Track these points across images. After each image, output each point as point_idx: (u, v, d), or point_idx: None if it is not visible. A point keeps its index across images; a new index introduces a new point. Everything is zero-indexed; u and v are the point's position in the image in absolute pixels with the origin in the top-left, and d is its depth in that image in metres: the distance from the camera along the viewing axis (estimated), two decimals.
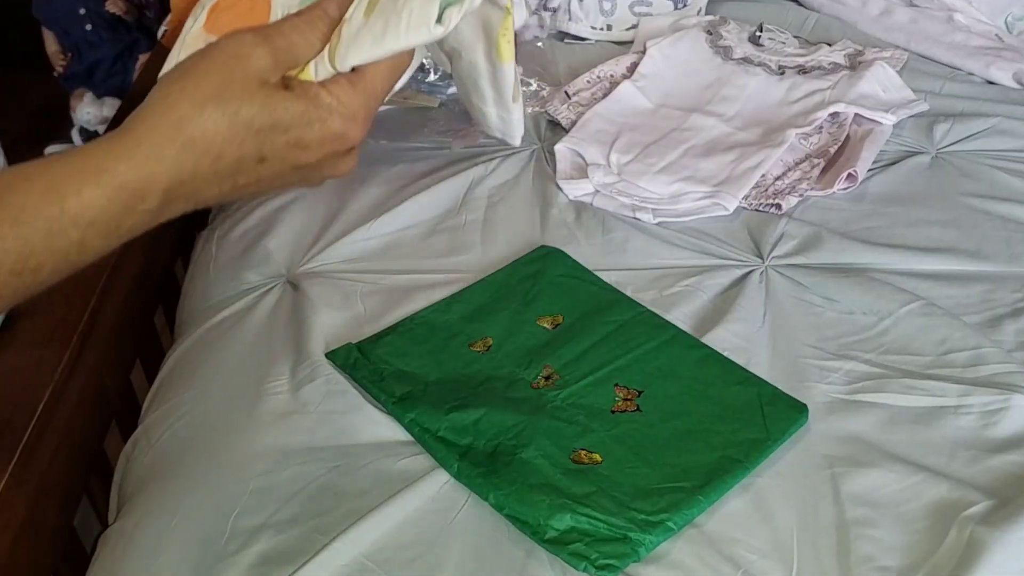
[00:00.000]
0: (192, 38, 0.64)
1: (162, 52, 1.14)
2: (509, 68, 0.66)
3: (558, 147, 1.04)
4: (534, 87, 1.18)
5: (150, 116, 0.45)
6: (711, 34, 1.22)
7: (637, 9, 1.31)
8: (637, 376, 0.76)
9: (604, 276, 0.88)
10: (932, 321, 0.82)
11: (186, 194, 0.46)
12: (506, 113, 0.72)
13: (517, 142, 0.77)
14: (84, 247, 0.44)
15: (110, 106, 2.40)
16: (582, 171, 1.01)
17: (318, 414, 0.75)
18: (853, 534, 0.65)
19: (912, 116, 1.09)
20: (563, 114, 1.11)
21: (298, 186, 0.52)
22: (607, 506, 0.65)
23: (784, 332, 0.82)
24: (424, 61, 1.11)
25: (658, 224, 0.95)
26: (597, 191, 0.99)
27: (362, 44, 0.50)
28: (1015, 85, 1.17)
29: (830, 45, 1.21)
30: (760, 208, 0.97)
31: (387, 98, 0.55)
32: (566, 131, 1.08)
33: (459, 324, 0.82)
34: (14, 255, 0.42)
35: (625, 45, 1.29)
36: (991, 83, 1.18)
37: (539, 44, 1.30)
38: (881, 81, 1.12)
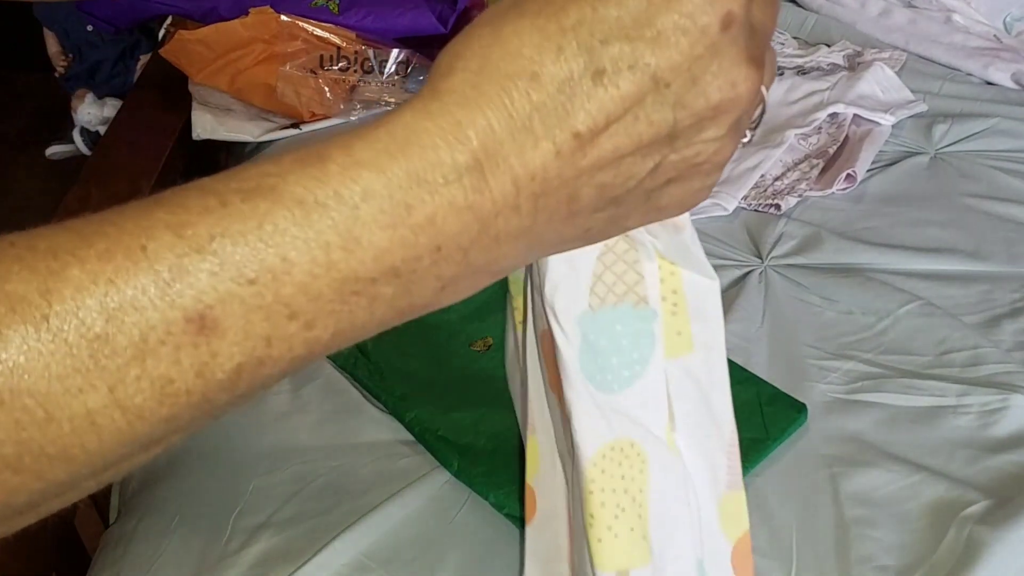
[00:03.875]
0: None
1: (159, 57, 1.14)
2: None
3: None
4: None
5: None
6: None
7: None
8: None
9: None
10: (931, 321, 0.82)
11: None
12: None
13: None
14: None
15: (111, 107, 2.41)
16: None
17: (319, 413, 0.75)
18: (852, 533, 0.65)
19: (911, 116, 1.10)
20: None
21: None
22: None
23: (783, 332, 0.82)
24: None
25: None
26: None
27: None
28: (1013, 85, 1.17)
29: (829, 46, 1.21)
30: (759, 208, 0.97)
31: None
32: None
33: (459, 323, 0.83)
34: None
35: None
36: (990, 83, 1.18)
37: None
38: (880, 82, 1.12)
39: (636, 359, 0.38)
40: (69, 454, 0.26)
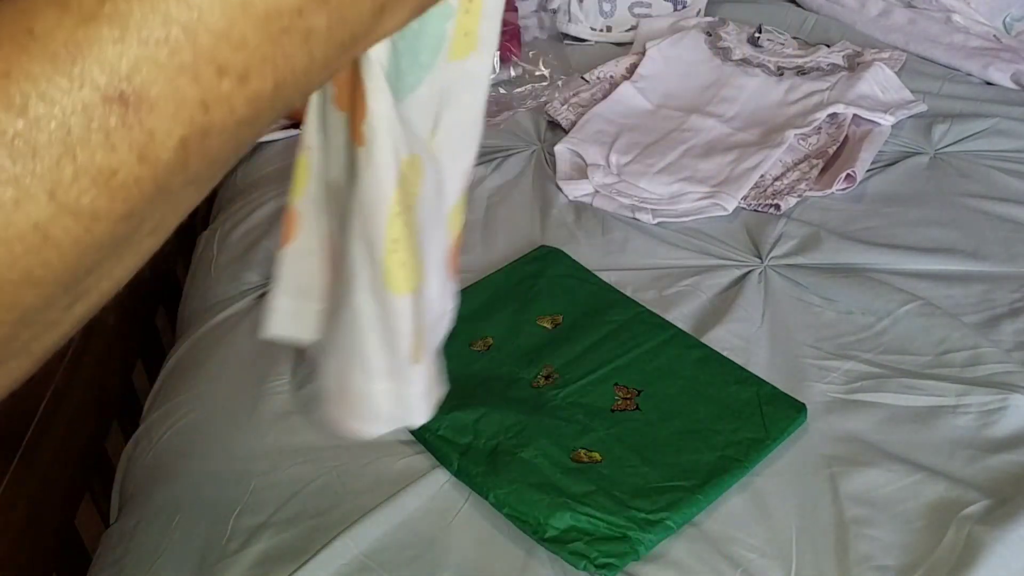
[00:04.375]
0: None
1: None
2: (404, 304, 0.37)
3: (558, 148, 1.04)
4: (547, 81, 1.18)
5: None
6: (710, 35, 1.23)
7: (636, 10, 1.31)
8: (637, 375, 0.77)
9: (604, 276, 0.88)
10: (930, 321, 0.82)
11: None
12: (401, 384, 0.40)
13: (416, 421, 0.41)
14: None
15: None
16: (582, 171, 1.02)
17: (319, 413, 0.75)
18: (852, 533, 0.65)
19: (910, 117, 1.10)
20: (563, 115, 1.11)
21: None
22: (607, 505, 0.65)
23: (783, 332, 0.82)
24: None
25: (657, 224, 0.96)
26: (597, 191, 0.99)
27: None
28: (1013, 86, 1.17)
29: (829, 46, 1.21)
30: (759, 208, 0.97)
31: None
32: (566, 132, 1.09)
33: (459, 323, 0.82)
34: None
35: (625, 46, 1.29)
36: (989, 84, 1.18)
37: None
38: (880, 82, 1.12)
39: (423, 63, 0.35)
40: (33, 276, 0.24)
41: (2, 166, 0.22)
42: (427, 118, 0.37)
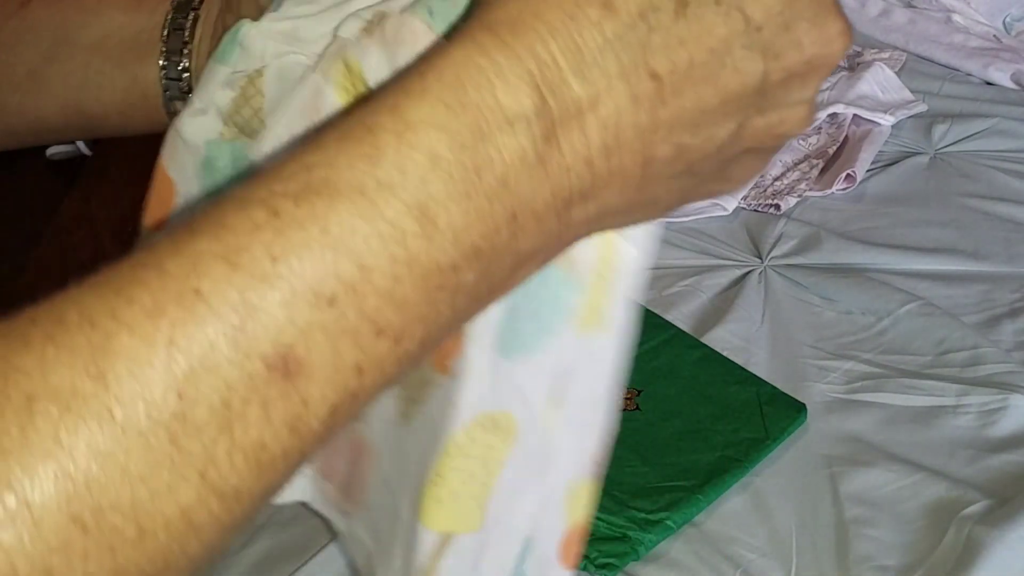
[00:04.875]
0: None
1: None
2: (429, 539, 0.36)
3: None
4: None
5: None
6: None
7: None
8: (636, 375, 0.77)
9: None
10: (931, 321, 0.82)
11: None
12: None
13: None
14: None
15: None
16: None
17: None
18: (852, 533, 0.65)
19: (911, 117, 1.10)
20: None
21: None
22: (606, 505, 0.65)
23: (783, 332, 0.82)
24: None
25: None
26: None
27: None
28: (1013, 86, 1.17)
29: None
30: (759, 208, 0.97)
31: None
32: None
33: None
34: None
35: None
36: (989, 84, 1.18)
37: None
38: (880, 82, 1.12)
39: (546, 328, 0.34)
40: (170, 564, 0.21)
41: (160, 449, 0.20)
42: (543, 388, 0.35)
